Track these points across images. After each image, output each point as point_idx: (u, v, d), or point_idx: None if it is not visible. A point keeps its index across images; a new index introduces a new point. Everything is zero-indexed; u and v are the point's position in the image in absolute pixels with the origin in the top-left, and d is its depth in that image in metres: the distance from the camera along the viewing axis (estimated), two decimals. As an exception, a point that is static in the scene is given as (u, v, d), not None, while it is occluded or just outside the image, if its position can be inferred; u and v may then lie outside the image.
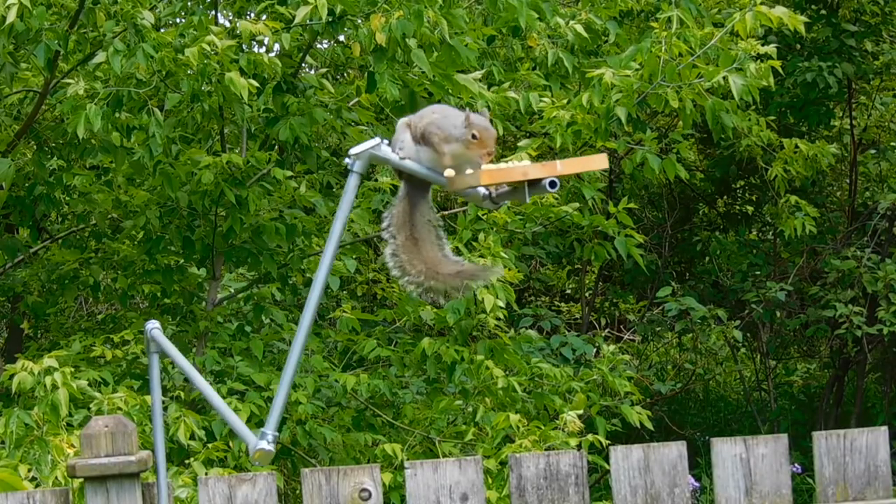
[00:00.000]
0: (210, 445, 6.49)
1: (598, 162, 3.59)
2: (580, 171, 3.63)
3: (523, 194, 3.56)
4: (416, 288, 3.78)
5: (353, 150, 3.73)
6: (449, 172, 3.65)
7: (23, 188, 7.60)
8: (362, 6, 6.85)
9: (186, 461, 6.32)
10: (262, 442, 3.63)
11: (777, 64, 7.06)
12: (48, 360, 5.97)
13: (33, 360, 6.02)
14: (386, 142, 3.75)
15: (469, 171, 3.65)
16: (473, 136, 3.67)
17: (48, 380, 5.89)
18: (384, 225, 3.82)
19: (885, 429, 3.73)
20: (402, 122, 3.79)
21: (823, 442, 3.71)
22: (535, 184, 3.55)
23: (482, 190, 3.69)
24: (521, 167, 3.53)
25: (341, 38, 8.47)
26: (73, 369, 6.10)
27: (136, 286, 7.93)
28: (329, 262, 3.68)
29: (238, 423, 3.79)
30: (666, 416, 11.63)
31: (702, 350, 11.66)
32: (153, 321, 3.83)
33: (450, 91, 7.15)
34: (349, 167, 3.72)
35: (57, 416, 5.83)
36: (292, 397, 7.11)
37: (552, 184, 3.51)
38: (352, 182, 3.71)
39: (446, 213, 8.28)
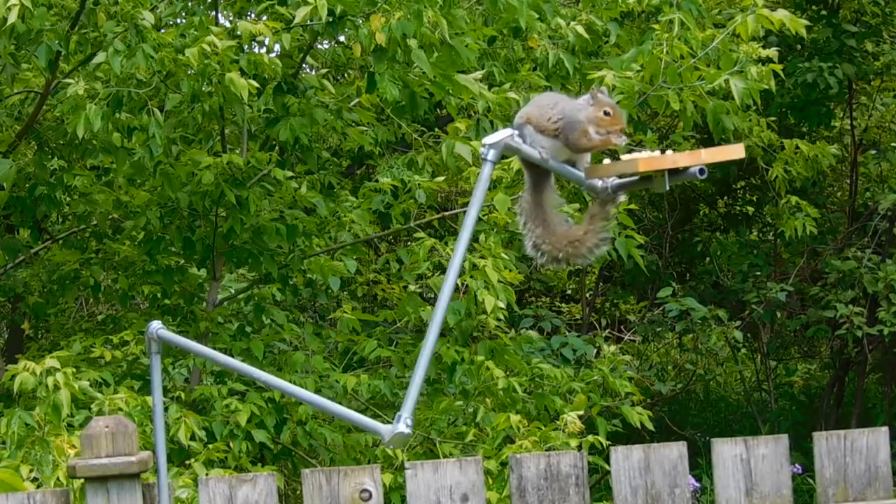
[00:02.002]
0: (210, 446, 6.50)
1: (736, 151, 3.64)
2: (722, 160, 3.72)
3: (662, 183, 3.58)
4: (567, 265, 3.82)
5: (487, 140, 3.73)
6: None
7: (23, 189, 7.59)
8: (362, 6, 6.85)
9: (187, 462, 6.32)
10: (400, 425, 3.56)
11: (778, 67, 7.06)
12: (50, 361, 5.96)
13: (34, 361, 6.02)
14: (517, 133, 3.75)
15: (606, 160, 3.68)
16: (606, 113, 3.68)
17: (50, 380, 5.89)
18: (521, 221, 3.82)
19: (885, 429, 3.73)
20: (519, 118, 3.78)
21: (824, 442, 3.71)
22: (675, 172, 3.58)
23: (598, 181, 3.71)
24: (670, 156, 3.57)
25: (341, 38, 8.47)
26: (74, 370, 6.10)
27: (136, 287, 7.93)
28: (464, 248, 3.68)
29: (351, 413, 3.77)
30: (666, 416, 11.62)
31: (702, 350, 11.64)
32: (157, 322, 3.83)
33: (450, 91, 7.15)
34: (483, 156, 3.72)
35: (58, 416, 5.82)
36: (292, 398, 7.11)
37: (701, 171, 3.55)
38: (486, 171, 3.70)
39: (447, 213, 8.28)
